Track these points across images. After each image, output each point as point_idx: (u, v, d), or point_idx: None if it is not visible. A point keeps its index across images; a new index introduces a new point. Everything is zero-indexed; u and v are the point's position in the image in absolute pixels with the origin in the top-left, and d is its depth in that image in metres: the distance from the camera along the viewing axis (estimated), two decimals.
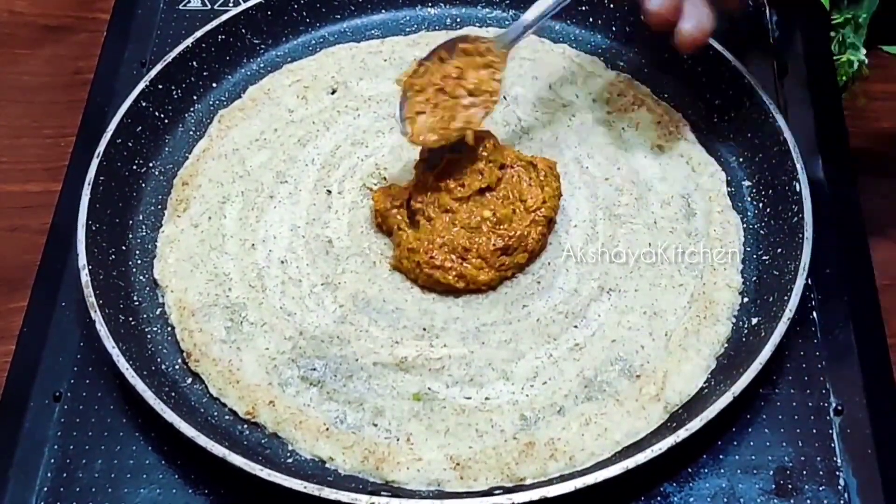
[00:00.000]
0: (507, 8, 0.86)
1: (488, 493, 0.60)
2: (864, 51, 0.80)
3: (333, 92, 0.81)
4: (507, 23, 0.85)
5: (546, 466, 0.61)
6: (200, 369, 0.66)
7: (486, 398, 0.65)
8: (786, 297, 0.65)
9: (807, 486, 0.62)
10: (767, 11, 0.85)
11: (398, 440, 0.63)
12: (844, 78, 0.81)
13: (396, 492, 0.61)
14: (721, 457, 0.63)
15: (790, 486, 0.62)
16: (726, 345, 0.67)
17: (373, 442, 0.63)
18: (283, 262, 0.72)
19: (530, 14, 0.70)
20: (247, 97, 0.81)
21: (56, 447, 0.64)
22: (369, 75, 0.82)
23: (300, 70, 0.82)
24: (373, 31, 0.85)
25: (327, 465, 0.63)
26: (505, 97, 0.80)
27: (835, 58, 0.81)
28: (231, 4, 0.86)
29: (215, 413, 0.65)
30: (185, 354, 0.67)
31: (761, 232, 0.72)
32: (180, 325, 0.68)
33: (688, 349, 0.66)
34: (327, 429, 0.63)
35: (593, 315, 0.68)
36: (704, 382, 0.65)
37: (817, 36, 0.83)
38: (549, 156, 0.76)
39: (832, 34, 0.82)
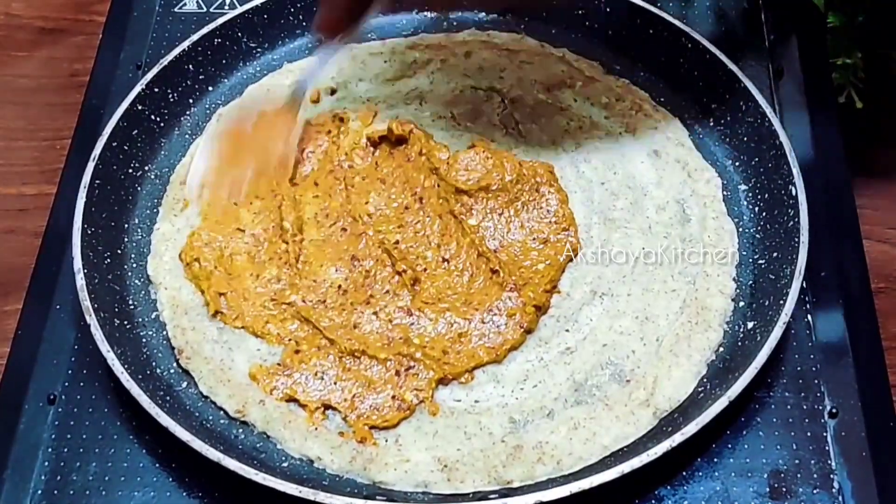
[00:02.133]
0: (504, 11, 0.86)
1: (483, 496, 0.61)
2: (859, 53, 0.80)
3: (333, 92, 0.81)
4: (501, 27, 0.85)
5: (533, 470, 0.61)
6: (191, 367, 0.66)
7: (476, 401, 0.65)
8: (781, 301, 0.65)
9: (801, 490, 0.62)
10: (762, 14, 0.86)
11: (386, 441, 0.63)
12: (840, 80, 0.81)
13: (390, 495, 0.61)
14: (715, 460, 0.63)
15: (784, 490, 0.62)
16: (719, 350, 0.67)
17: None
18: None
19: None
20: (246, 96, 0.81)
21: (50, 450, 0.64)
22: (369, 76, 0.82)
23: (300, 70, 0.82)
24: (370, 35, 0.85)
25: (315, 465, 0.63)
26: (504, 100, 0.80)
27: (830, 60, 0.81)
28: (227, 7, 0.86)
29: (210, 416, 0.65)
30: (176, 351, 0.67)
31: (757, 235, 0.72)
32: (172, 321, 0.69)
33: (679, 355, 0.66)
34: (316, 429, 0.64)
35: (585, 319, 0.68)
36: (699, 386, 0.65)
37: (812, 38, 0.83)
38: (546, 159, 0.76)
39: (828, 37, 0.82)
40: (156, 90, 0.77)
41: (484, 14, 0.86)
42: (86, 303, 0.65)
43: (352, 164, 0.76)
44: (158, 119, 0.78)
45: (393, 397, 0.65)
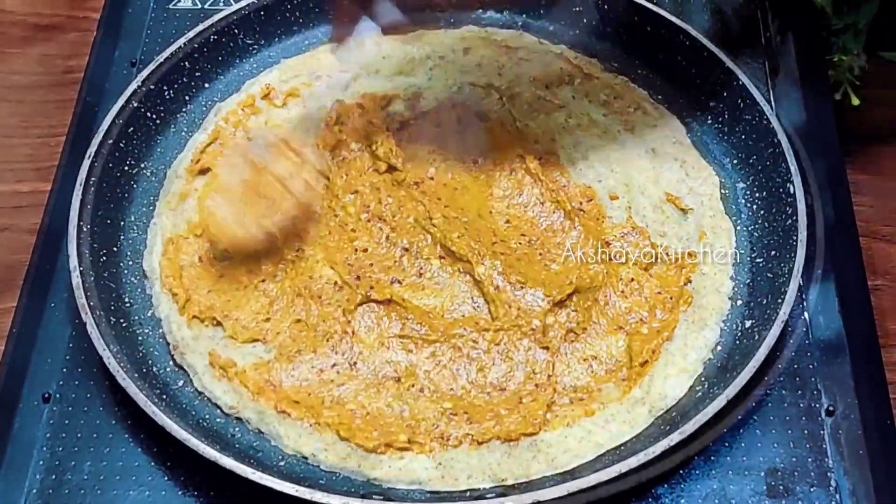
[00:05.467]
0: (500, 10, 0.85)
1: (479, 494, 0.60)
2: (864, 56, 0.80)
3: None
4: (500, 23, 0.85)
5: (529, 467, 0.61)
6: (187, 363, 0.66)
7: None
8: (779, 300, 0.65)
9: (798, 488, 0.62)
10: (758, 11, 0.85)
11: None
12: (843, 81, 0.80)
13: (386, 493, 0.61)
14: (713, 458, 0.63)
15: (782, 488, 0.62)
16: (717, 349, 0.67)
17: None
18: None
19: None
20: (244, 92, 0.80)
21: (45, 448, 0.64)
22: (367, 72, 0.81)
23: (297, 66, 0.82)
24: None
25: (310, 462, 0.62)
26: (502, 97, 0.80)
27: (833, 60, 0.81)
28: (222, 4, 0.86)
29: (206, 415, 0.64)
30: (171, 347, 0.67)
31: (755, 234, 0.72)
32: (168, 317, 0.68)
33: (675, 353, 0.66)
34: (311, 425, 0.63)
35: None
36: (697, 385, 0.65)
37: (809, 35, 0.83)
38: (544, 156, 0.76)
39: (832, 39, 0.82)
40: (152, 87, 0.77)
41: (482, 11, 0.86)
42: (82, 300, 0.64)
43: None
44: (154, 116, 0.77)
45: None
